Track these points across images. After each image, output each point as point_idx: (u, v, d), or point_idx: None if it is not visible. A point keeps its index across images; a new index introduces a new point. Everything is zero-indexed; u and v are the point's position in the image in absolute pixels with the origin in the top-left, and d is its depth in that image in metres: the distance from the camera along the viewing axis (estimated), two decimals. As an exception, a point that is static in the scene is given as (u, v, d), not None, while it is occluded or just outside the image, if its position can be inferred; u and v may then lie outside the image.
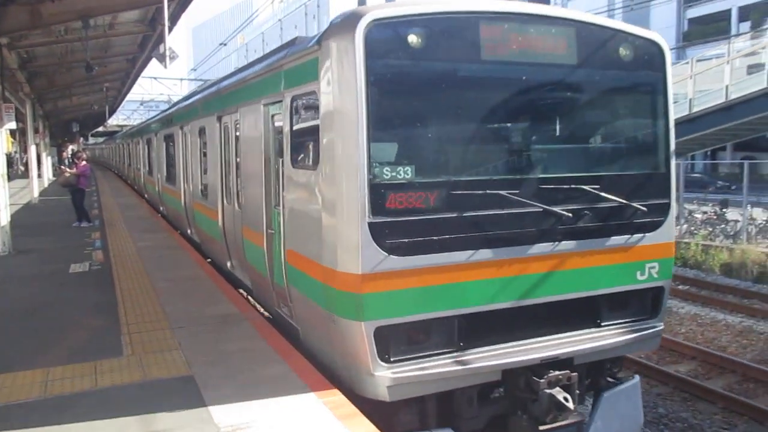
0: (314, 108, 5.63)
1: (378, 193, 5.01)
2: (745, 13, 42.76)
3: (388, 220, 5.04)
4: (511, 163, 5.77)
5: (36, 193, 24.25)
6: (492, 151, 5.83)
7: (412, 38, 5.14)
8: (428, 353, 5.34)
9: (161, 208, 18.25)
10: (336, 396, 5.17)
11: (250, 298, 9.11)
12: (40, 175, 29.11)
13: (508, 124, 5.94)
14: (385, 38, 5.14)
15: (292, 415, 4.83)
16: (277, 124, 6.80)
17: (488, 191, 5.37)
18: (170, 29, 16.43)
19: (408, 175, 5.13)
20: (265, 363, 5.89)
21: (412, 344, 5.32)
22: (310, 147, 5.84)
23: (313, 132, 5.61)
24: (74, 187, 16.11)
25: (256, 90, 7.60)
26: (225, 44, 40.86)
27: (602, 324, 6.07)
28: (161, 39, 17.10)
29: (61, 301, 8.50)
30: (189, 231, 13.69)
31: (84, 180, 16.29)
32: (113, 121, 59.94)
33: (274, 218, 6.94)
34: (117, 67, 25.79)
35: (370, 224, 4.99)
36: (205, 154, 11.08)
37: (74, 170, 16.28)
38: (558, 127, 6.25)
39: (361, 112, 4.96)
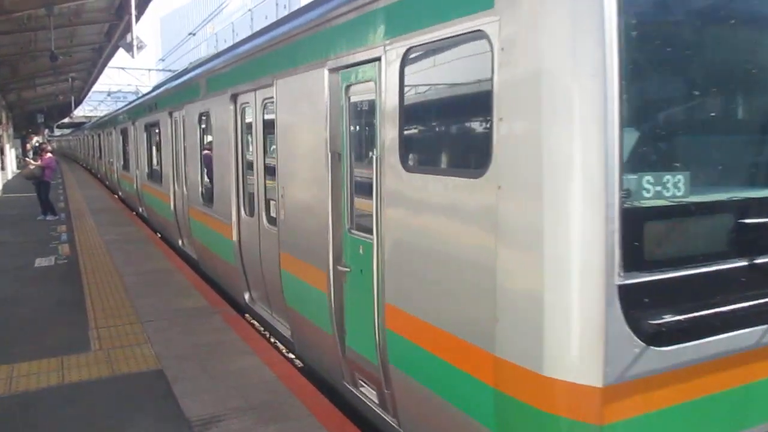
0: (474, 67, 3.31)
1: (635, 226, 2.80)
2: None
3: (652, 278, 2.82)
4: None
5: (-1, 186, 23.72)
6: None
7: None
8: None
9: (140, 209, 16.29)
10: (304, 383, 5.14)
11: (280, 344, 7.10)
12: (3, 168, 28.44)
13: None
14: None
15: (265, 407, 4.79)
16: (355, 99, 4.68)
17: None
18: (137, 18, 16.20)
19: (680, 190, 2.90)
20: (236, 356, 5.85)
21: None
22: (462, 137, 3.75)
23: (469, 109, 3.53)
24: (39, 180, 15.83)
25: (313, 49, 5.21)
26: (194, 34, 40.33)
27: None
28: (128, 28, 16.82)
29: (26, 296, 8.32)
30: (180, 242, 11.36)
31: (49, 172, 16.04)
32: (79, 112, 58.89)
33: (348, 249, 4.82)
34: (83, 57, 25.27)
35: (622, 288, 2.74)
36: (207, 148, 9.05)
37: (39, 162, 16.05)
38: None
39: (609, 75, 2.68)
